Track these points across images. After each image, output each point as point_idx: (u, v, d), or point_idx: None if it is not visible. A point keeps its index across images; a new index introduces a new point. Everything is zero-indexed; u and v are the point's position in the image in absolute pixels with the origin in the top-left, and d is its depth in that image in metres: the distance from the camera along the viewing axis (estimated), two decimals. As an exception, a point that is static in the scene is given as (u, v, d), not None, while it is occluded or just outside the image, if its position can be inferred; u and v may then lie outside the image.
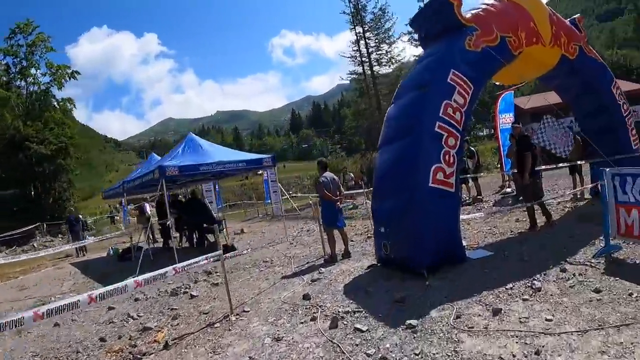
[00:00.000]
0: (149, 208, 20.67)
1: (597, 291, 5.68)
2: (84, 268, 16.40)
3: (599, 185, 7.15)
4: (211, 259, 7.48)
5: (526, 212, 10.17)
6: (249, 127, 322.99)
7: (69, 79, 45.24)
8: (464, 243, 9.07)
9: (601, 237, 7.87)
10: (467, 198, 16.57)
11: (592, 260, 6.90)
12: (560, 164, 13.28)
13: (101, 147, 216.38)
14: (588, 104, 11.72)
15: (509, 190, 16.58)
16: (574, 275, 6.40)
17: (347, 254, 10.17)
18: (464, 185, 16.66)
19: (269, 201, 26.97)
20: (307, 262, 10.54)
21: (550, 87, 12.89)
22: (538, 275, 6.59)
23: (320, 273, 9.12)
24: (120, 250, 18.33)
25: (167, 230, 16.75)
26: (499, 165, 20.43)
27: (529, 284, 6.27)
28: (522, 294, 6.02)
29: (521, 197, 14.14)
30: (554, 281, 6.32)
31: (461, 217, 10.08)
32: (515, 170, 14.14)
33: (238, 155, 15.13)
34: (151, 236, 19.94)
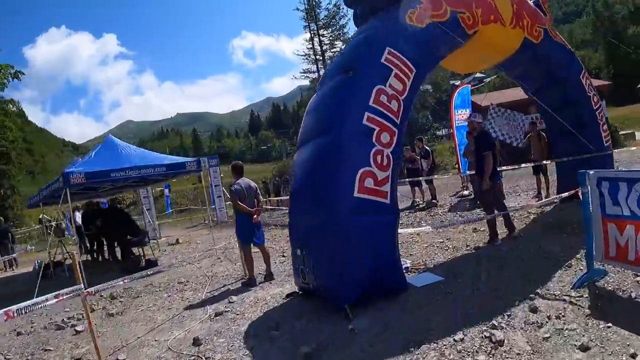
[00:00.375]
0: (79, 217, 18.59)
1: (584, 348, 3.89)
2: (2, 285, 14.91)
3: (579, 194, 5.41)
4: (65, 296, 5.54)
5: (485, 221, 8.52)
6: (209, 129, 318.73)
7: (12, 79, 42.23)
8: (407, 263, 7.37)
9: (579, 256, 6.26)
10: (421, 202, 14.95)
11: (572, 293, 5.14)
12: (523, 165, 11.78)
13: (58, 151, 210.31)
14: (554, 96, 10.27)
15: (466, 192, 15.08)
16: (548, 317, 4.62)
17: (269, 276, 8.41)
18: (417, 189, 15.16)
19: (214, 206, 25.00)
20: (224, 285, 8.85)
21: (511, 77, 11.38)
22: (499, 317, 4.79)
23: (230, 303, 7.38)
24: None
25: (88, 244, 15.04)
26: (456, 166, 18.97)
27: (487, 333, 4.46)
28: (476, 351, 4.20)
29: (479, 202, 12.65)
30: (521, 328, 4.51)
31: (407, 230, 8.44)
32: (474, 172, 12.70)
33: (157, 160, 13.19)
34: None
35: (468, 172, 13.56)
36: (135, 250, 14.15)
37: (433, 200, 14.45)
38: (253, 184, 8.44)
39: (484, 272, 6.44)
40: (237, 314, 6.66)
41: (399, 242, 6.93)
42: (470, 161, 13.16)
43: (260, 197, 8.51)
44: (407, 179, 15.01)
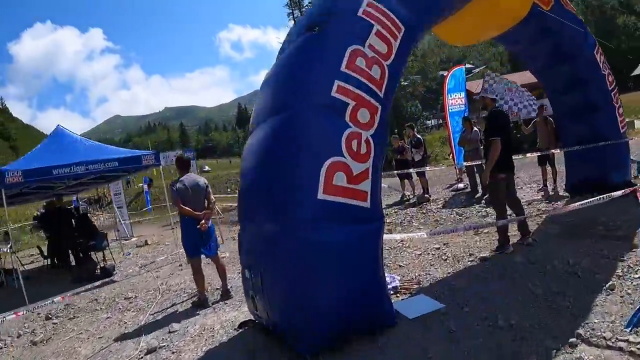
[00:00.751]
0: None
1: None
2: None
3: (637, 195, 3.83)
4: None
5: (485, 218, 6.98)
6: (198, 122, 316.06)
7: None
8: (396, 280, 5.76)
9: (619, 272, 4.76)
10: (411, 196, 13.41)
11: (630, 337, 3.51)
12: (528, 154, 10.28)
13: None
14: (564, 75, 8.80)
15: (461, 185, 13.55)
16: (607, 382, 3.07)
17: (225, 294, 6.85)
18: (407, 181, 13.62)
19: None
20: (173, 304, 7.27)
21: (514, 52, 9.91)
22: (532, 378, 3.24)
23: (170, 333, 5.81)
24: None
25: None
26: (449, 156, 17.48)
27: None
28: None
29: (478, 195, 11.19)
30: (569, 402, 2.97)
31: (396, 235, 6.89)
32: (472, 163, 11.19)
33: (109, 154, 11.50)
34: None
35: (464, 163, 12.10)
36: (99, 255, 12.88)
37: (425, 195, 12.89)
38: (202, 180, 6.81)
39: (499, 295, 4.86)
40: (173, 352, 5.09)
41: (385, 248, 5.41)
42: (468, 150, 11.69)
43: (212, 197, 6.85)
44: (395, 171, 13.48)
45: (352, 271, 4.00)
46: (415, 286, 5.60)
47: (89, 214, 20.96)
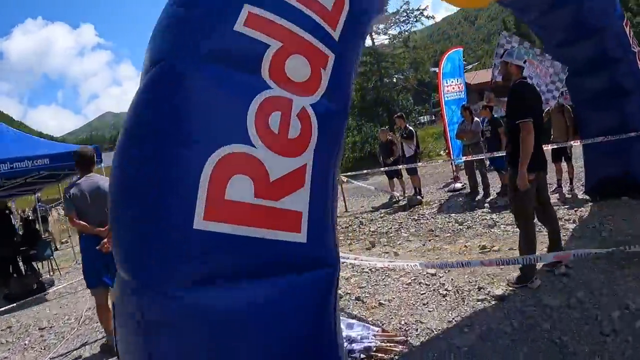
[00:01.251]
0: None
1: None
2: None
3: None
4: None
5: (499, 234, 5.13)
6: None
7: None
8: (371, 338, 3.80)
9: None
10: (401, 198, 11.66)
11: None
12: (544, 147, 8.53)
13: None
14: (588, 52, 7.28)
15: (458, 185, 11.76)
16: None
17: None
18: (396, 180, 11.88)
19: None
20: (84, 344, 5.60)
21: (525, 22, 8.29)
22: None
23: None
24: None
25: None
26: (445, 151, 15.77)
27: None
28: None
29: (478, 197, 9.47)
30: None
31: (377, 262, 5.09)
32: (484, 158, 9.42)
33: (40, 149, 9.68)
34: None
35: (462, 159, 10.37)
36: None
37: (417, 197, 11.06)
38: (108, 184, 4.88)
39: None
40: None
41: (364, 271, 3.59)
42: (467, 144, 9.97)
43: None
44: (383, 169, 11.73)
45: (280, 346, 2.03)
46: (399, 347, 3.64)
47: (48, 218, 19.26)
